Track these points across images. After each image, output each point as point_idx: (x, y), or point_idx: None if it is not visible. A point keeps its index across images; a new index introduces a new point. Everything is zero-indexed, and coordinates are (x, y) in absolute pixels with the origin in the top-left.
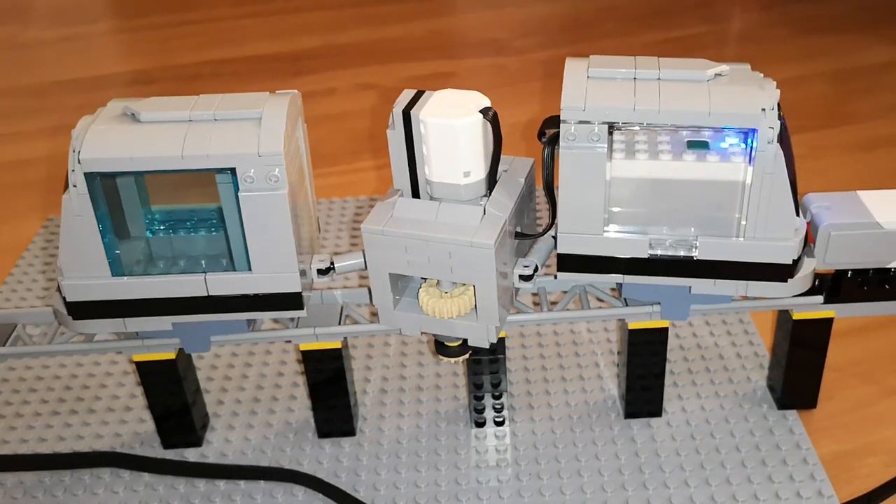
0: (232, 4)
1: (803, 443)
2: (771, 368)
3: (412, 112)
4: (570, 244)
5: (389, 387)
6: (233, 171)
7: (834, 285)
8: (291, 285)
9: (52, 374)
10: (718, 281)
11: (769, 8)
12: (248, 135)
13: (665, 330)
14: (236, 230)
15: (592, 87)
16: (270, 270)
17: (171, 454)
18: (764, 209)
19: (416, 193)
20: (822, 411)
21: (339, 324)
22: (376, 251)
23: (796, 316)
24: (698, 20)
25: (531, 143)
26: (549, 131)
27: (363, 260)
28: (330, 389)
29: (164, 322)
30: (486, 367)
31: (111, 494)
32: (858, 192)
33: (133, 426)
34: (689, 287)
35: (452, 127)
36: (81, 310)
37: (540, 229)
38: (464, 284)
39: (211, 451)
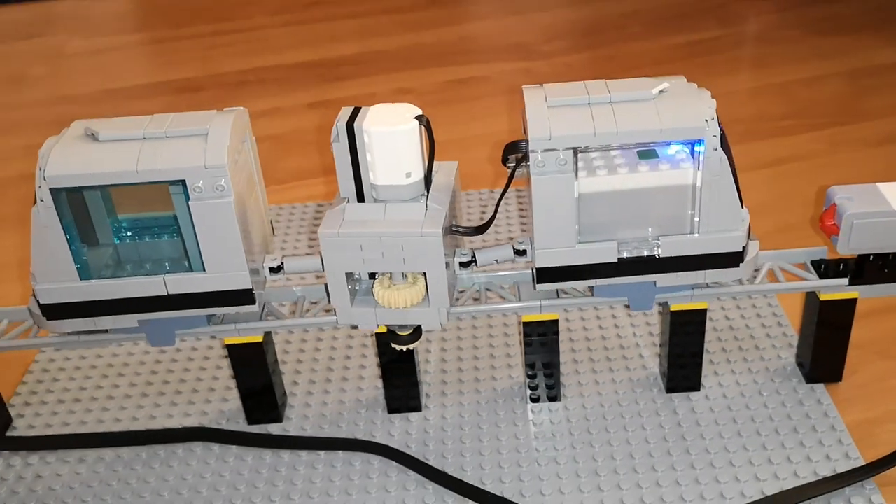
0: (269, 14)
1: (830, 412)
2: (799, 346)
3: (355, 124)
4: (548, 258)
5: (448, 367)
6: (183, 182)
7: (857, 269)
8: (242, 283)
9: (138, 360)
10: (680, 273)
11: (784, 10)
12: (196, 149)
13: (704, 311)
14: (190, 235)
15: (554, 116)
16: (222, 270)
17: (256, 429)
18: (714, 207)
19: (361, 198)
20: (847, 384)
21: None
22: (333, 253)
23: (823, 297)
24: (716, 23)
25: None
26: (511, 156)
27: (315, 262)
28: (399, 369)
29: (131, 320)
30: (539, 348)
31: (204, 465)
32: (878, 184)
33: (217, 405)
34: (655, 282)
35: (394, 133)
36: (54, 311)
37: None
38: (413, 276)
39: (291, 426)
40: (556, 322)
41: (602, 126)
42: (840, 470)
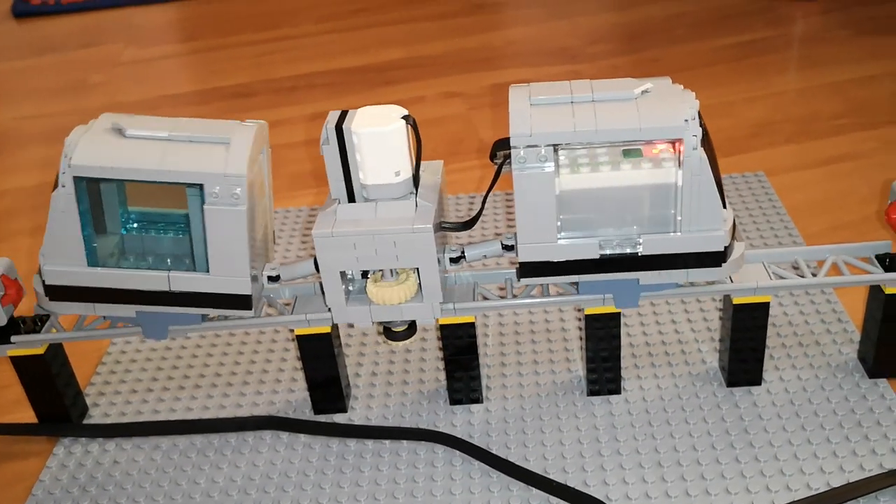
0: (316, 21)
1: (895, 406)
2: (861, 341)
3: (344, 126)
4: (530, 253)
5: (507, 360)
6: (201, 186)
7: None
8: (243, 288)
9: (206, 351)
10: (663, 271)
11: (830, 11)
12: (217, 157)
13: (766, 305)
14: (199, 236)
15: (536, 113)
16: (226, 274)
17: (322, 419)
18: (695, 205)
19: (351, 199)
20: None
21: (473, 300)
22: (327, 253)
23: (888, 290)
24: (764, 24)
25: None
26: (500, 153)
27: (308, 267)
28: (462, 361)
29: (129, 310)
30: (599, 341)
31: (274, 453)
32: None
33: (284, 395)
34: (638, 279)
35: (382, 133)
36: (58, 293)
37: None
38: (405, 273)
39: (356, 416)
40: (618, 315)
41: (582, 124)
42: None
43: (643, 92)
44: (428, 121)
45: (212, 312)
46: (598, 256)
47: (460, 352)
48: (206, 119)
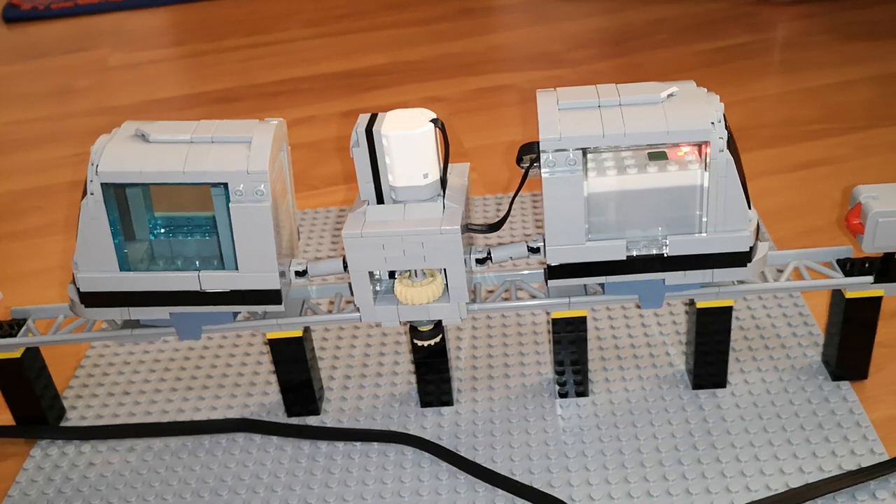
0: (303, 26)
1: (856, 409)
2: (825, 344)
3: (374, 129)
4: (559, 255)
5: (479, 363)
6: (225, 185)
7: (883, 267)
8: (272, 283)
9: (183, 355)
10: (688, 272)
11: (811, 16)
12: (240, 155)
13: (730, 308)
14: (226, 235)
15: (564, 118)
16: (254, 270)
17: (295, 421)
18: (721, 207)
19: (380, 200)
20: (874, 381)
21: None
22: (357, 253)
23: (849, 295)
24: (744, 29)
25: None
26: (526, 157)
27: (336, 265)
28: (432, 364)
29: (163, 312)
30: (568, 345)
31: (246, 455)
32: None
33: (258, 398)
34: (664, 279)
35: (412, 136)
36: (93, 299)
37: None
38: (432, 274)
39: (328, 418)
40: (584, 319)
41: (611, 127)
42: (865, 464)
43: (669, 95)
44: None
45: (243, 309)
46: (625, 258)
47: (431, 355)
48: (227, 120)
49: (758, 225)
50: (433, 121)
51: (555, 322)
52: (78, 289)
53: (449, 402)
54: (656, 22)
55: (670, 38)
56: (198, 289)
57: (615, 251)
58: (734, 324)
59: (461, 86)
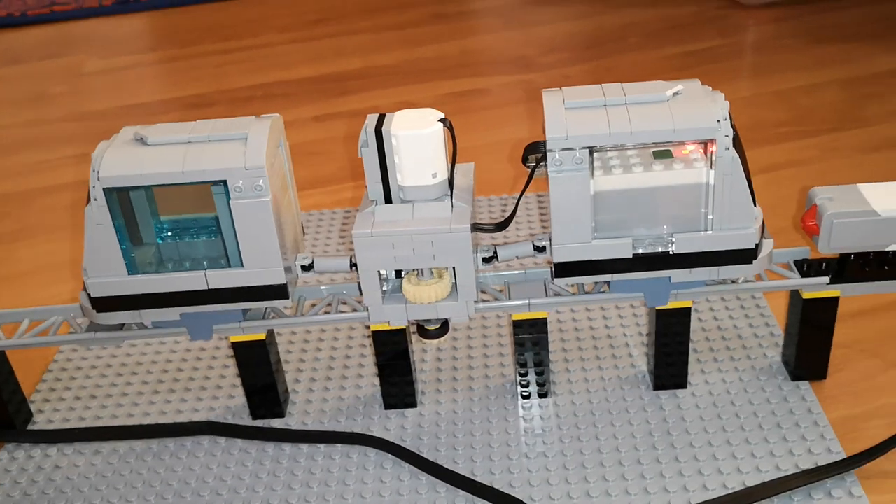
0: (277, 31)
1: (814, 408)
2: (784, 345)
3: (383, 129)
4: (565, 253)
5: (443, 365)
6: (224, 182)
7: (839, 268)
8: (277, 278)
9: (150, 359)
10: (694, 269)
11: (781, 20)
12: (237, 152)
13: (688, 309)
14: (230, 232)
15: (571, 117)
16: (259, 266)
17: (260, 423)
18: (726, 204)
19: (388, 200)
20: (833, 382)
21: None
22: (366, 252)
23: (806, 295)
24: (715, 33)
25: None
26: (531, 156)
27: (343, 263)
28: (395, 366)
29: (173, 313)
30: (530, 346)
31: (211, 457)
32: (858, 184)
33: (224, 401)
34: (669, 277)
35: (420, 136)
36: (103, 304)
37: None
38: (440, 272)
39: (293, 420)
40: (545, 320)
41: (617, 126)
42: (822, 463)
43: (674, 94)
44: None
45: (251, 306)
46: (631, 255)
47: (394, 357)
48: (223, 119)
49: (762, 222)
50: (441, 120)
51: (516, 324)
52: (89, 294)
53: (412, 404)
54: (628, 26)
55: (641, 42)
56: (205, 287)
57: (621, 249)
58: (696, 324)
59: (434, 90)
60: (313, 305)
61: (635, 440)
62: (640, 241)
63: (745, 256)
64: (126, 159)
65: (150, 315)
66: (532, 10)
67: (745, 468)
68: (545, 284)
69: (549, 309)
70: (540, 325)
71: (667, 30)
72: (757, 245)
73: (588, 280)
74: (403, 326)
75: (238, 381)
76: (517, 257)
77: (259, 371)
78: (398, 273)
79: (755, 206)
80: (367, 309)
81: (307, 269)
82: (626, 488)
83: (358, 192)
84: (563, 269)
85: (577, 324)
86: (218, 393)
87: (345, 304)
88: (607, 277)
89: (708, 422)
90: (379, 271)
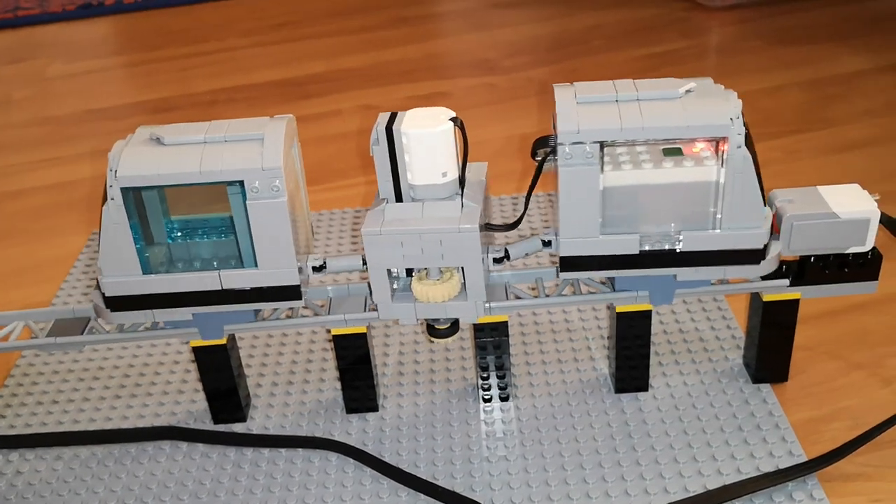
0: (241, 35)
1: (776, 411)
2: (746, 347)
3: (393, 128)
4: (572, 248)
5: (405, 369)
6: (241, 183)
7: (799, 270)
8: (291, 279)
9: (112, 364)
10: (700, 268)
11: (745, 22)
12: (253, 153)
13: (649, 312)
14: (245, 233)
15: (582, 111)
16: (274, 266)
17: (221, 428)
18: (736, 204)
19: (399, 198)
20: (794, 384)
21: (365, 311)
22: (375, 250)
23: (766, 298)
24: (678, 36)
25: (524, 154)
26: (540, 150)
27: (355, 262)
28: (357, 370)
29: (186, 313)
30: (491, 349)
31: (172, 462)
32: (818, 186)
33: (186, 406)
34: (675, 275)
35: (430, 135)
36: (117, 303)
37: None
38: (449, 272)
39: (254, 425)
40: (505, 324)
41: (629, 122)
42: (783, 466)
43: (686, 91)
44: (343, 134)
45: (264, 307)
46: (638, 252)
47: (356, 361)
48: (237, 119)
49: (772, 223)
50: (452, 119)
51: (477, 327)
52: (103, 294)
53: (374, 408)
54: (592, 28)
55: (605, 45)
56: (219, 288)
57: (628, 245)
58: (658, 326)
59: (396, 93)
60: (275, 310)
61: (597, 443)
62: (647, 238)
63: (753, 257)
64: (143, 159)
65: (163, 315)
66: (495, 13)
67: (706, 471)
68: (506, 287)
69: (511, 311)
70: (501, 329)
71: (630, 32)
72: (766, 246)
73: (594, 275)
74: (364, 330)
75: (199, 386)
76: (527, 254)
77: (220, 375)
78: (409, 272)
79: (765, 205)
80: (377, 307)
81: (319, 269)
82: (587, 492)
83: (325, 195)
84: (569, 264)
85: (538, 326)
86: (179, 398)
87: (306, 308)
88: (612, 273)
89: (669, 425)
90: (390, 270)
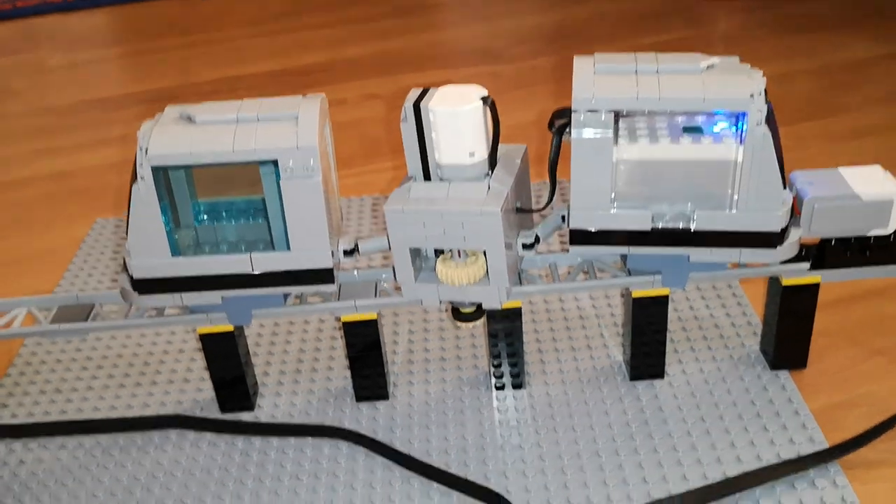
0: (243, 25)
1: (794, 397)
2: (763, 333)
3: (422, 105)
4: (582, 220)
5: (415, 357)
6: (275, 162)
7: (819, 253)
8: (324, 261)
9: (116, 352)
10: (714, 249)
11: (752, 10)
12: (288, 132)
13: (665, 297)
14: (277, 214)
15: (599, 80)
16: (306, 249)
17: (229, 417)
18: (754, 184)
19: (427, 177)
20: (813, 371)
21: (375, 297)
22: (398, 229)
23: (785, 282)
24: (684, 24)
25: (529, 142)
26: (557, 121)
27: (385, 241)
28: (367, 358)
29: (215, 297)
30: (503, 336)
31: (179, 451)
32: (840, 168)
33: (192, 395)
34: (688, 256)
35: (458, 113)
36: (146, 286)
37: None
38: (475, 254)
39: (262, 414)
40: (519, 310)
41: (645, 92)
42: (804, 453)
43: (709, 66)
44: (347, 122)
45: (294, 290)
46: (649, 228)
47: (365, 349)
48: (269, 98)
49: (791, 208)
50: (483, 99)
51: (489, 314)
52: (130, 276)
53: (384, 396)
54: (596, 17)
55: (610, 33)
56: (250, 271)
57: (640, 221)
58: (672, 314)
59: (399, 83)
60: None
61: (612, 431)
62: (660, 215)
63: (770, 240)
64: (175, 138)
65: (191, 298)
66: (499, 2)
67: (725, 459)
68: (519, 273)
69: (523, 297)
70: (514, 315)
71: (635, 20)
72: (784, 230)
73: (603, 251)
74: (374, 316)
75: (206, 374)
76: (555, 232)
77: (227, 363)
78: (437, 253)
79: (785, 188)
80: (400, 287)
81: (349, 253)
82: (603, 479)
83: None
84: (579, 237)
85: (550, 314)
86: (186, 386)
87: (314, 294)
88: (623, 250)
89: (686, 412)
90: (417, 249)
